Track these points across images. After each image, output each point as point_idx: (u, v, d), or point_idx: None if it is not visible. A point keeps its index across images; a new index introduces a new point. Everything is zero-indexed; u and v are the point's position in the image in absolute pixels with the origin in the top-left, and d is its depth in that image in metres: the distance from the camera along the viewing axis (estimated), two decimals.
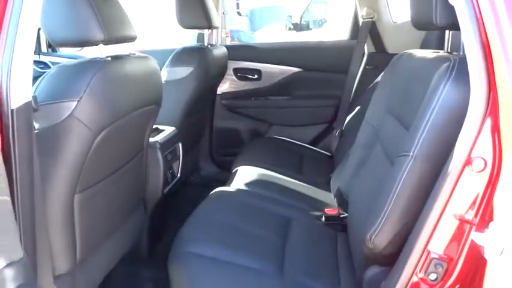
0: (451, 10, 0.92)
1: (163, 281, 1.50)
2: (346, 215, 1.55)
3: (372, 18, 2.49)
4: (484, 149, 0.82)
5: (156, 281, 1.73)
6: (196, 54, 2.18)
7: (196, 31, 3.30)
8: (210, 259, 1.24)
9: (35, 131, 1.03)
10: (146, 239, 1.82)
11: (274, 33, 7.93)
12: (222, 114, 2.70)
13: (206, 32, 2.40)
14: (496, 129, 0.81)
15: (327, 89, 2.67)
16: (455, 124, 0.88)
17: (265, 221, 1.50)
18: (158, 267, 1.72)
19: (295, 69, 2.68)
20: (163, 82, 1.60)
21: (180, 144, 1.99)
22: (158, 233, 1.95)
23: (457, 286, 0.89)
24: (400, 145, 1.08)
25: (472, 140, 0.83)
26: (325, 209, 1.63)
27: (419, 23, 1.18)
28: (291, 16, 6.23)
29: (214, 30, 2.56)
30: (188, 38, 4.45)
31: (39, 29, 1.07)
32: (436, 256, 0.89)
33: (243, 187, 1.80)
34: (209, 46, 2.36)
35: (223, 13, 2.84)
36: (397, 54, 1.47)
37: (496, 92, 0.80)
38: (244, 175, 1.92)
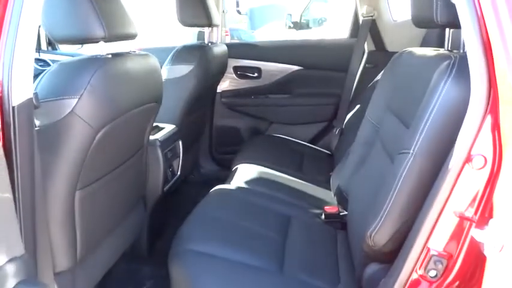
0: (451, 8, 0.92)
1: (163, 278, 1.50)
2: (345, 213, 1.55)
3: (372, 16, 2.49)
4: (484, 146, 0.82)
5: (156, 279, 1.73)
6: (197, 52, 2.18)
7: (197, 30, 3.29)
8: (210, 256, 1.24)
9: (36, 128, 1.04)
10: (146, 236, 1.82)
11: (274, 31, 7.93)
12: (222, 112, 2.71)
13: (206, 30, 2.40)
14: (496, 126, 0.81)
15: (327, 87, 2.67)
16: (456, 121, 0.88)
17: (265, 219, 1.50)
18: (158, 264, 1.73)
19: (295, 68, 2.68)
20: (163, 80, 1.60)
21: (180, 142, 1.99)
22: (158, 231, 1.95)
23: (457, 283, 0.89)
24: (400, 143, 1.08)
25: (472, 138, 0.83)
26: (325, 207, 1.64)
27: (420, 21, 1.18)
28: (290, 15, 6.21)
29: (215, 28, 2.56)
30: (189, 36, 4.45)
31: (38, 27, 1.07)
32: (436, 253, 0.89)
33: (243, 185, 1.80)
34: (209, 44, 2.36)
35: (223, 11, 2.84)
36: (397, 52, 1.47)
37: (497, 89, 0.80)
38: (244, 173, 1.92)
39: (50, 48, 2.84)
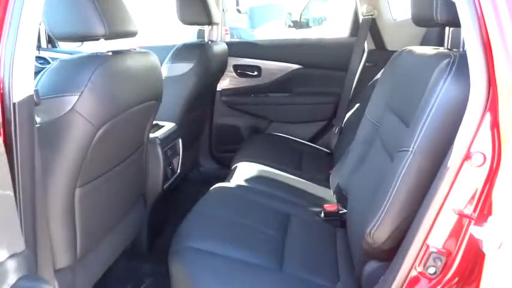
0: (451, 7, 0.93)
1: (163, 275, 1.51)
2: (345, 211, 1.55)
3: (372, 15, 2.49)
4: (484, 144, 0.82)
5: (156, 276, 1.73)
6: (197, 50, 2.18)
7: (197, 28, 3.30)
8: (209, 254, 1.24)
9: (37, 125, 1.04)
10: (146, 234, 1.82)
11: (273, 30, 7.92)
12: (222, 111, 2.71)
13: (206, 28, 2.41)
14: (495, 124, 0.81)
15: (326, 86, 2.67)
16: (455, 119, 0.88)
17: (265, 217, 1.51)
18: (158, 262, 1.73)
19: (295, 66, 2.68)
20: (163, 78, 1.60)
21: (180, 140, 2.00)
22: (158, 229, 1.96)
23: (456, 279, 0.90)
24: (399, 141, 1.08)
25: (472, 135, 0.83)
26: (325, 205, 1.64)
27: (420, 19, 1.18)
28: (290, 14, 6.21)
29: (215, 27, 2.56)
30: (189, 35, 4.45)
31: (39, 24, 1.07)
32: (435, 250, 0.90)
33: (243, 183, 1.80)
34: (209, 42, 2.36)
35: (223, 10, 2.84)
36: (397, 51, 1.47)
37: (496, 87, 0.81)
38: (244, 171, 1.92)
39: (49, 46, 2.84)
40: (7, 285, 0.76)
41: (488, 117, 0.82)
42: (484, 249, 0.80)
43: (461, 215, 0.86)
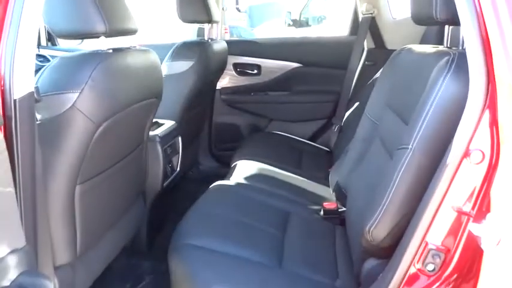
0: (451, 5, 0.93)
1: (163, 273, 1.51)
2: (344, 209, 1.56)
3: (371, 14, 2.50)
4: (482, 141, 0.83)
5: (155, 274, 1.74)
6: (197, 48, 2.19)
7: (197, 27, 3.30)
8: (209, 251, 1.24)
9: (37, 122, 1.04)
10: (146, 232, 1.83)
11: (273, 29, 7.93)
12: (222, 109, 2.71)
13: (206, 26, 2.41)
14: (494, 122, 0.82)
15: (326, 84, 2.68)
16: (454, 117, 0.89)
17: (264, 215, 1.51)
18: (158, 260, 1.74)
19: (295, 65, 2.68)
20: (163, 76, 1.61)
21: (180, 138, 2.00)
22: (158, 226, 1.96)
23: (455, 276, 0.90)
24: (399, 139, 1.08)
25: (471, 133, 0.84)
26: (324, 203, 1.64)
27: (420, 18, 1.19)
28: (290, 12, 6.21)
29: (215, 25, 2.56)
30: (189, 33, 4.45)
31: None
32: (434, 247, 0.90)
33: (242, 181, 1.81)
34: (209, 40, 2.36)
35: (223, 9, 2.84)
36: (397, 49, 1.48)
37: (495, 85, 0.81)
38: (244, 169, 1.93)
39: (49, 43, 2.84)
40: (8, 281, 0.76)
41: (487, 114, 0.83)
42: (483, 246, 0.80)
43: (460, 212, 0.86)
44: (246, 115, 2.74)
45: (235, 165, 2.00)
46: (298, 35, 5.02)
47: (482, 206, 0.84)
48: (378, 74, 1.99)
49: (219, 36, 2.70)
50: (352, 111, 2.34)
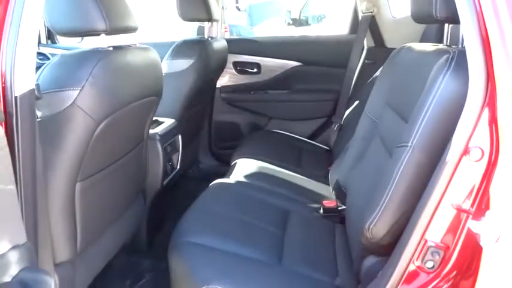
0: (450, 3, 0.93)
1: (162, 271, 1.51)
2: (344, 207, 1.56)
3: (371, 12, 2.50)
4: (482, 139, 0.83)
5: (155, 271, 1.74)
6: (197, 46, 2.19)
7: (197, 26, 3.30)
8: (209, 249, 1.25)
9: (38, 119, 1.04)
10: (145, 230, 1.83)
11: (273, 28, 7.92)
12: (222, 108, 2.71)
13: (206, 24, 2.41)
14: (493, 119, 0.82)
15: (326, 83, 2.68)
16: (454, 115, 0.89)
17: (264, 213, 1.51)
18: (158, 258, 1.74)
19: (295, 63, 2.69)
20: (163, 74, 1.61)
21: (180, 137, 2.00)
22: (158, 224, 1.96)
23: (454, 273, 0.90)
24: (398, 137, 1.09)
25: (470, 130, 0.84)
26: (324, 201, 1.65)
27: (419, 16, 1.19)
28: (290, 11, 6.21)
29: (215, 23, 2.56)
30: (189, 32, 4.45)
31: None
32: (433, 244, 0.90)
33: (242, 179, 1.81)
34: (209, 39, 2.37)
35: (223, 8, 2.84)
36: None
37: (494, 83, 0.82)
38: (244, 168, 1.93)
39: (49, 41, 2.84)
40: (9, 276, 0.77)
41: (486, 112, 0.83)
42: (482, 243, 0.81)
43: (460, 210, 0.87)
44: (245, 113, 2.74)
45: (235, 164, 2.01)
46: (298, 34, 5.02)
47: (481, 203, 0.84)
48: (377, 73, 1.99)
49: (219, 34, 2.70)
50: (352, 110, 2.35)
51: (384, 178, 1.08)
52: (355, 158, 1.57)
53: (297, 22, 5.76)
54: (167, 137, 1.86)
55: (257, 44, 2.79)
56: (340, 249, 1.41)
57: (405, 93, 1.23)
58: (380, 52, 2.43)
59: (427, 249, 0.91)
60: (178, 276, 1.23)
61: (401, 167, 1.01)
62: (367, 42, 2.60)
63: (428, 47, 1.20)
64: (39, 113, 1.08)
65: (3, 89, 0.91)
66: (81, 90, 1.12)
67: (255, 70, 2.70)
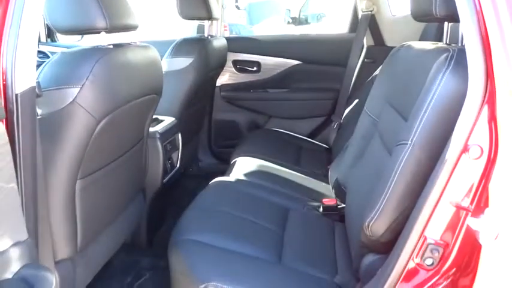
0: (450, 2, 0.93)
1: (162, 269, 1.52)
2: (343, 205, 1.57)
3: (371, 11, 2.50)
4: (481, 136, 0.83)
5: (155, 269, 1.74)
6: (196, 45, 2.19)
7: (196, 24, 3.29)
8: (209, 246, 1.25)
9: (38, 117, 1.05)
10: (145, 228, 1.83)
11: (272, 27, 7.90)
12: (221, 106, 2.71)
13: (206, 23, 2.41)
14: (492, 117, 0.82)
15: (325, 82, 2.68)
16: (453, 113, 0.89)
17: (264, 211, 1.52)
18: (157, 256, 1.75)
19: (295, 62, 2.69)
20: (163, 72, 1.61)
21: (180, 135, 2.00)
22: (157, 223, 1.97)
23: (453, 270, 0.91)
24: (398, 135, 1.09)
25: (469, 128, 0.84)
26: (323, 200, 1.65)
27: (419, 14, 1.19)
28: (289, 10, 6.20)
29: (214, 22, 2.56)
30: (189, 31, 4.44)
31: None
32: (433, 241, 0.91)
33: (242, 177, 1.81)
34: (209, 37, 2.37)
35: (222, 6, 2.84)
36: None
37: (494, 81, 0.82)
38: (243, 166, 1.93)
39: (49, 40, 2.84)
40: (10, 273, 0.77)
41: (485, 110, 0.83)
42: (481, 241, 0.81)
43: (459, 207, 0.87)
44: (245, 112, 2.74)
45: (234, 162, 2.01)
46: (298, 33, 5.02)
47: (480, 200, 0.84)
48: (377, 71, 1.99)
49: (218, 33, 2.70)
50: (351, 108, 2.35)
51: (383, 176, 1.08)
52: (354, 157, 1.57)
53: (297, 21, 5.76)
54: (167, 135, 1.86)
55: (257, 42, 2.79)
56: (339, 247, 1.41)
57: (405, 92, 1.23)
58: (379, 51, 2.43)
59: (427, 246, 0.91)
60: (178, 274, 1.23)
61: (401, 165, 1.01)
62: (366, 41, 2.60)
63: (428, 45, 1.20)
64: (39, 111, 1.08)
65: (4, 86, 0.92)
66: (81, 88, 1.12)
67: (255, 69, 2.70)
